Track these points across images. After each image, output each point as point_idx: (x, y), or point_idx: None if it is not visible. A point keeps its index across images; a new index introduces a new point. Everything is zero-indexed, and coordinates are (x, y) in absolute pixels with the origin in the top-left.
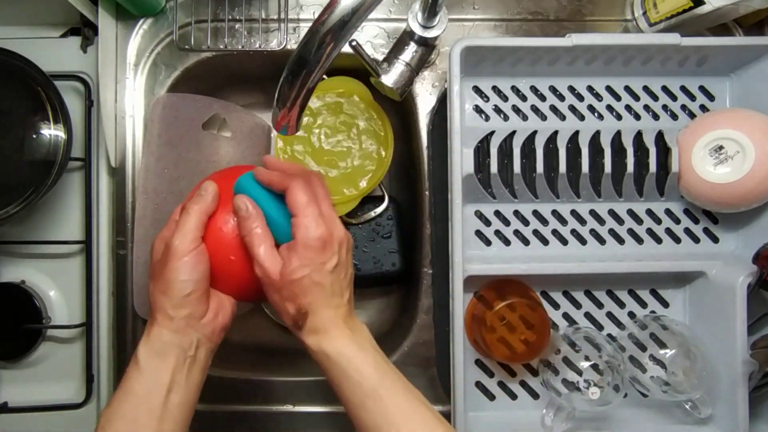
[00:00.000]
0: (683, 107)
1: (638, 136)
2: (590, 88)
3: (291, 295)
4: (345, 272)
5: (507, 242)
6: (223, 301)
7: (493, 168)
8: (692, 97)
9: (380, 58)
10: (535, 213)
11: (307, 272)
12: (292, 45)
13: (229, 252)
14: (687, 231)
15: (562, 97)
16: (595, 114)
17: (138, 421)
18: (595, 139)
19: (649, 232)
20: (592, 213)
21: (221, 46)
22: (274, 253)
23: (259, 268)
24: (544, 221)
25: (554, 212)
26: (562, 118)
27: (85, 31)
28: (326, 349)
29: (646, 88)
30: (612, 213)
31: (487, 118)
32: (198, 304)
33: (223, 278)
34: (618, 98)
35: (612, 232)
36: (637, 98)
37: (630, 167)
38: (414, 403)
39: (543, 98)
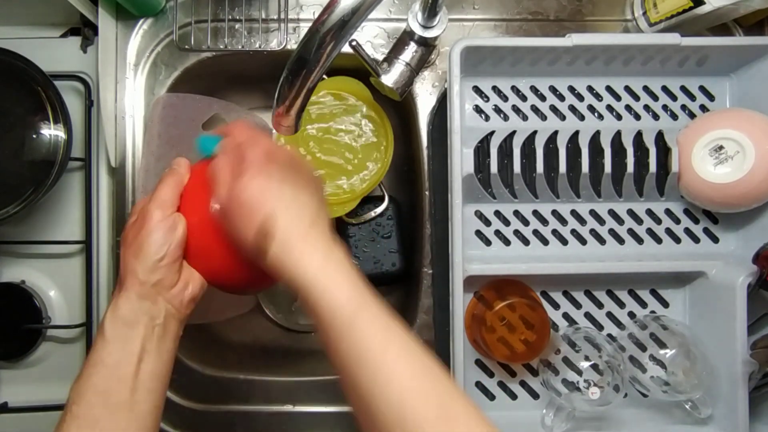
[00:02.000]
0: (683, 107)
1: (638, 136)
2: (590, 88)
3: (245, 211)
4: (306, 186)
5: (507, 242)
6: (193, 273)
7: (493, 168)
8: (692, 97)
9: (380, 58)
10: (535, 213)
11: (251, 175)
12: (292, 45)
13: (208, 234)
14: (687, 231)
15: (562, 97)
16: (595, 114)
17: (110, 391)
18: (595, 139)
19: (649, 232)
20: (592, 213)
21: (221, 46)
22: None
23: (215, 193)
24: (544, 221)
25: (554, 212)
26: (562, 118)
27: (85, 31)
28: (296, 275)
29: (646, 88)
30: (612, 213)
31: (487, 118)
32: (169, 272)
33: (199, 259)
34: (618, 98)
35: (612, 232)
36: (637, 98)
37: (630, 167)
38: (396, 331)
39: (543, 98)
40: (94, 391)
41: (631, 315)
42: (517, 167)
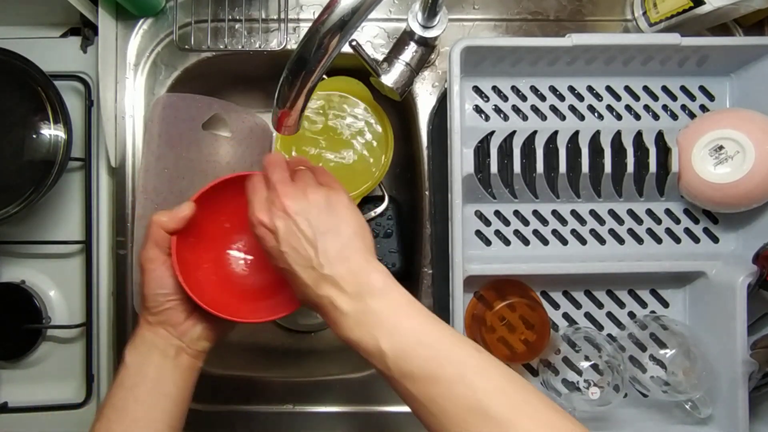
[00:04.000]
0: (683, 107)
1: (638, 136)
2: (590, 88)
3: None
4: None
5: (507, 242)
6: (207, 315)
7: (493, 168)
8: (692, 97)
9: (380, 58)
10: (535, 213)
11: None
12: (292, 45)
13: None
14: (687, 231)
15: (562, 97)
16: (595, 114)
17: (127, 409)
18: (595, 139)
19: (649, 232)
20: (592, 213)
21: (221, 46)
22: None
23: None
24: (544, 221)
25: (554, 212)
26: (562, 118)
27: (85, 31)
28: (363, 282)
29: (646, 88)
30: (612, 213)
31: (487, 118)
32: (173, 313)
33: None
34: (618, 98)
35: (612, 232)
36: (637, 98)
37: (630, 167)
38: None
39: (543, 98)
40: (113, 409)
41: (631, 315)
42: (517, 167)
